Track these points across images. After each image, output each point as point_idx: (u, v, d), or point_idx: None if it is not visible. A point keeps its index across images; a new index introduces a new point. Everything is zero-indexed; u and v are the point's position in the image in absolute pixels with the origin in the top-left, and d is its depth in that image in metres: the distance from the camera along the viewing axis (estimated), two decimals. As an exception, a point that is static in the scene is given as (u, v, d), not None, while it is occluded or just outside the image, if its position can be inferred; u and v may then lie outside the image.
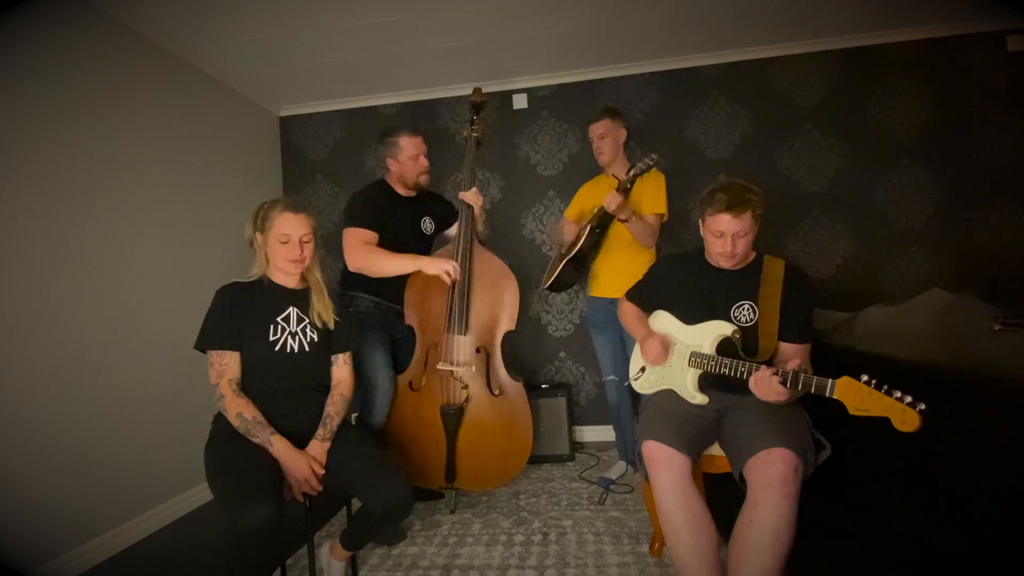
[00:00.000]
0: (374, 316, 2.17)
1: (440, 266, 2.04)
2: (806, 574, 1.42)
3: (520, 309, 2.23)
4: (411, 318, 2.20)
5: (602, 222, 2.23)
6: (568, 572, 1.70)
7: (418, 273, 2.14)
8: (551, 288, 2.40)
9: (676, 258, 1.77)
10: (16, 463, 1.75)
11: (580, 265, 2.36)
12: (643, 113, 3.17)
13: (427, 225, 2.31)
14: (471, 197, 2.22)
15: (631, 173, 2.02)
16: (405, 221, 2.22)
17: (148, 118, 2.40)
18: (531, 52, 2.92)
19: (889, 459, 1.50)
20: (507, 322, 2.20)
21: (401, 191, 2.25)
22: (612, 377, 2.39)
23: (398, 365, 2.21)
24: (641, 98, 3.18)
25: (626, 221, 2.11)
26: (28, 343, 1.83)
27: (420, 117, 3.33)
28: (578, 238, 2.26)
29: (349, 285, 2.19)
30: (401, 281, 2.18)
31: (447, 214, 2.39)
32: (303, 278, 1.58)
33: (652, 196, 2.25)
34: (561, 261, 2.33)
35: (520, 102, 3.27)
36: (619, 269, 2.28)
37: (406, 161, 2.19)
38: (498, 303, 2.19)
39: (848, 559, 1.60)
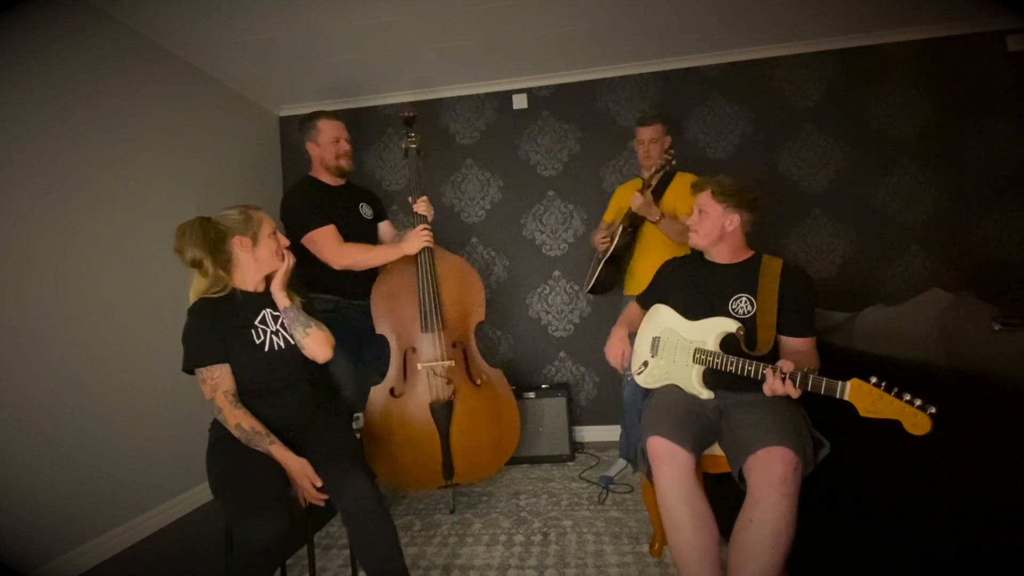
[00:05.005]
0: (336, 318, 2.04)
1: (417, 243, 2.09)
2: (806, 574, 1.42)
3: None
4: (383, 327, 2.17)
5: (633, 221, 2.30)
6: (568, 572, 1.70)
7: (381, 282, 2.16)
8: (592, 291, 2.46)
9: (677, 258, 1.83)
10: (17, 463, 1.75)
11: (617, 265, 2.41)
12: (643, 113, 3.17)
13: (365, 209, 2.27)
14: (423, 208, 2.20)
15: (653, 171, 2.17)
16: (343, 209, 2.17)
17: (149, 118, 2.40)
18: (531, 52, 2.91)
19: (889, 458, 1.50)
20: (477, 314, 2.27)
21: (328, 180, 2.20)
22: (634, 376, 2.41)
23: (367, 361, 2.22)
24: (641, 98, 3.18)
25: (656, 221, 2.18)
26: (30, 343, 1.83)
27: (420, 117, 3.31)
28: (612, 238, 2.33)
29: (308, 287, 2.15)
30: (359, 275, 2.12)
31: (379, 204, 2.38)
32: (264, 280, 1.59)
33: (687, 198, 2.25)
34: (599, 263, 2.38)
35: (520, 102, 3.27)
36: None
37: (325, 144, 2.15)
38: (466, 297, 2.26)
39: (848, 559, 1.60)
